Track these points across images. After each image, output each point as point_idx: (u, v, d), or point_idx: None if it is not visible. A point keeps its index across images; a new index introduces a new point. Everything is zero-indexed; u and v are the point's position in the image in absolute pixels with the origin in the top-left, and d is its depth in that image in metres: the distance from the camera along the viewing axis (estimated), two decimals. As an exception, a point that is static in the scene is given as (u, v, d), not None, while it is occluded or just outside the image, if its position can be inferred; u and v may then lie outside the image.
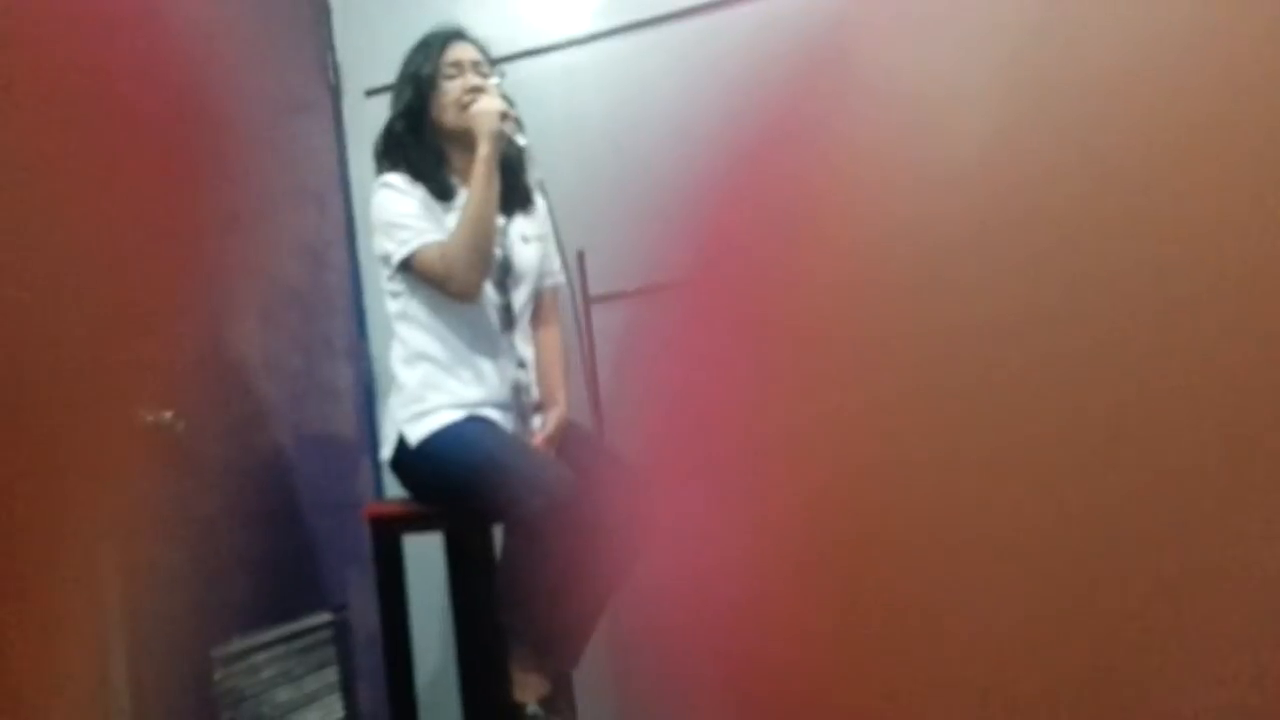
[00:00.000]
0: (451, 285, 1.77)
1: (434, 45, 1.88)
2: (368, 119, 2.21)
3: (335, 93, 2.49)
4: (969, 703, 0.29)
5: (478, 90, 1.82)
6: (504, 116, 1.77)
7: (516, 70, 2.23)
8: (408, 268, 1.79)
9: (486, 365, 1.84)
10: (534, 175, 1.92)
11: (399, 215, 1.80)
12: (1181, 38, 0.28)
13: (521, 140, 1.82)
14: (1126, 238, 0.28)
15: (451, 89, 1.84)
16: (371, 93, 2.40)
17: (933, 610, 0.29)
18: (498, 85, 1.86)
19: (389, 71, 1.93)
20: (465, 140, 1.81)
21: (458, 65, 1.86)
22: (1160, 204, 0.28)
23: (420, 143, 1.86)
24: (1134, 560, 0.27)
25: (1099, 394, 0.27)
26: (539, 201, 1.94)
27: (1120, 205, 0.28)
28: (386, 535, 1.91)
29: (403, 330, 1.86)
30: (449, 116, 1.84)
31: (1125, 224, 0.28)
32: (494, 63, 1.93)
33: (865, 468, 0.30)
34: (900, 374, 0.29)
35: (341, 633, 2.19)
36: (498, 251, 1.84)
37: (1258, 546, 0.27)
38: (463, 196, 1.81)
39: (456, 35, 1.91)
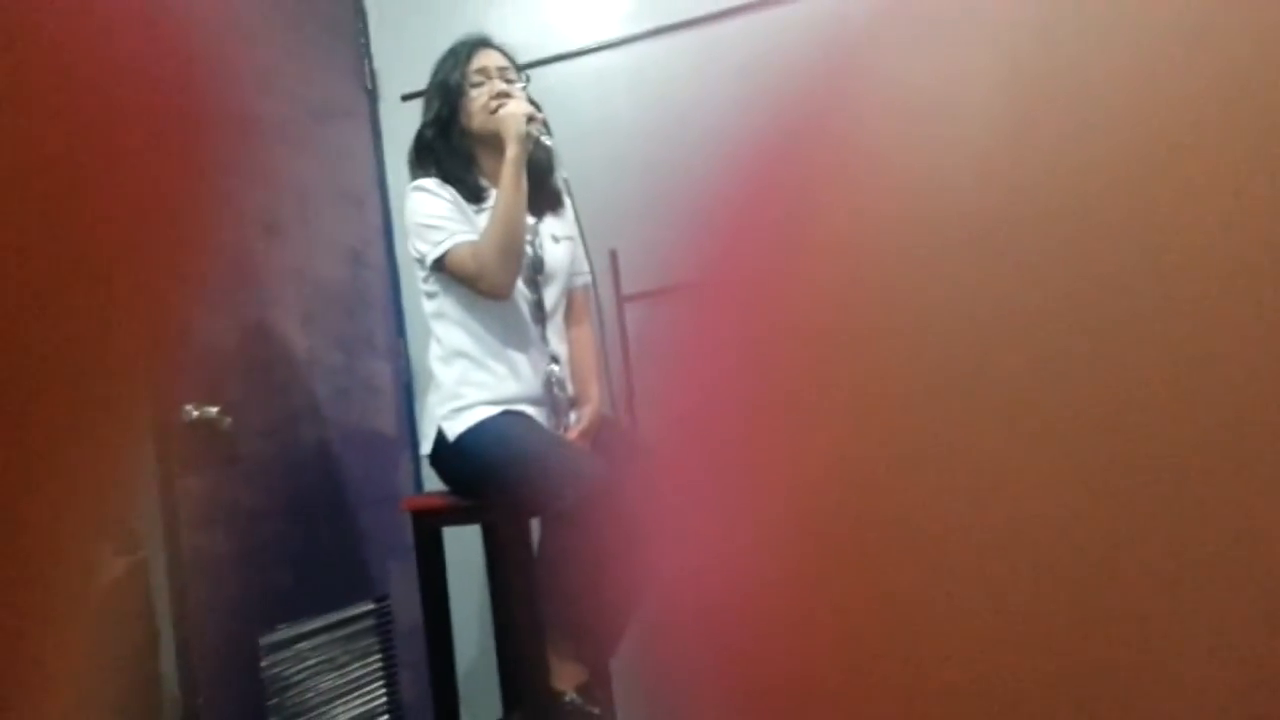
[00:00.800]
0: (483, 284, 1.80)
1: (461, 53, 1.92)
2: (404, 123, 2.26)
3: (372, 98, 2.54)
4: (971, 699, 0.30)
5: (504, 95, 1.86)
6: (530, 119, 1.81)
7: (548, 74, 2.26)
8: (441, 267, 1.83)
9: (521, 360, 1.87)
10: (560, 174, 1.95)
11: (432, 217, 1.84)
12: (1187, 42, 0.29)
13: (548, 141, 1.86)
14: (1130, 241, 0.28)
15: (479, 95, 1.88)
16: (407, 97, 2.45)
17: (937, 607, 0.30)
18: (524, 89, 1.89)
19: (423, 77, 1.97)
20: (494, 144, 1.84)
21: (484, 72, 1.90)
22: (1164, 207, 0.28)
23: (450, 148, 1.89)
24: (1135, 558, 0.28)
25: (1101, 396, 0.28)
26: (567, 201, 1.98)
27: (1124, 208, 0.28)
28: (427, 527, 1.95)
29: (439, 329, 1.90)
30: (477, 121, 1.88)
31: (1129, 227, 0.28)
32: (520, 68, 1.97)
33: (886, 466, 0.31)
34: (930, 375, 0.30)
35: (384, 622, 2.23)
36: (529, 250, 1.87)
37: (1259, 544, 0.27)
38: (493, 197, 1.84)
39: (482, 43, 1.94)
